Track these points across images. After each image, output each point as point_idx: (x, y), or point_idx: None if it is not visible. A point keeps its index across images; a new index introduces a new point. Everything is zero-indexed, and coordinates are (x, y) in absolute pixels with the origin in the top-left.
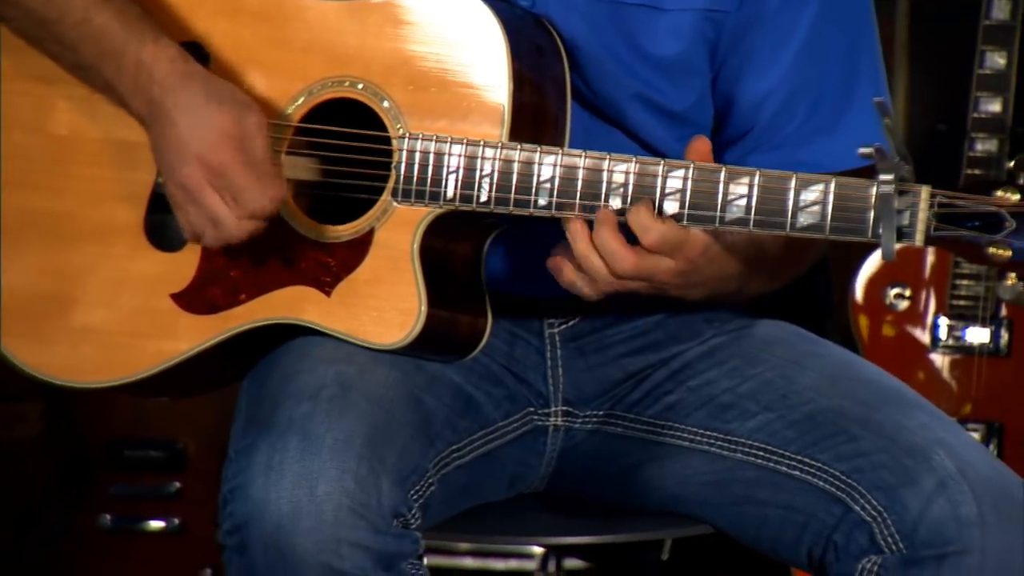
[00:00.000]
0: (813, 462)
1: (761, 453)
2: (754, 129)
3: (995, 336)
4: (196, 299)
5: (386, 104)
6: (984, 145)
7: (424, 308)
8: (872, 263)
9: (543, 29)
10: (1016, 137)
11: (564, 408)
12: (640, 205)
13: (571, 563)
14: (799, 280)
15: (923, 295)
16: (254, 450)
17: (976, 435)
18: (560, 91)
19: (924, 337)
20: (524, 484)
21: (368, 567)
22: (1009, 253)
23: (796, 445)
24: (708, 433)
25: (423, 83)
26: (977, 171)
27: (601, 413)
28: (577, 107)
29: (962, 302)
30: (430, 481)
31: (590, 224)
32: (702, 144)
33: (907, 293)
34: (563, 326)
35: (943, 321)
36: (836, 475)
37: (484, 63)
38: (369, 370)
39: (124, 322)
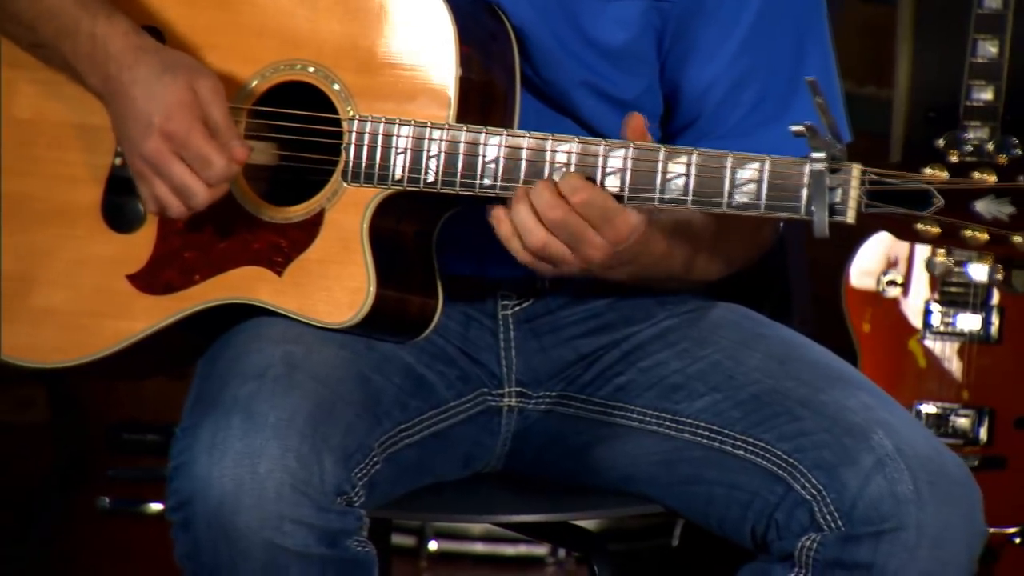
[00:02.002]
0: (757, 442)
1: (707, 433)
2: (700, 118)
3: (986, 323)
4: (152, 280)
5: (336, 87)
6: (976, 133)
7: (373, 288)
8: (864, 251)
9: (493, 15)
10: (1007, 125)
11: (518, 389)
12: (571, 173)
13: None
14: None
15: (914, 282)
16: (198, 428)
17: (967, 420)
18: (509, 76)
19: (916, 324)
20: (480, 463)
21: (311, 543)
22: (938, 230)
23: (741, 425)
24: (657, 414)
25: (373, 66)
26: (968, 159)
27: (554, 394)
28: (528, 95)
29: (953, 289)
30: (375, 460)
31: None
32: (635, 120)
33: (899, 280)
34: (517, 307)
35: (935, 308)
36: (779, 454)
37: (432, 46)
38: (317, 350)
39: (84, 303)
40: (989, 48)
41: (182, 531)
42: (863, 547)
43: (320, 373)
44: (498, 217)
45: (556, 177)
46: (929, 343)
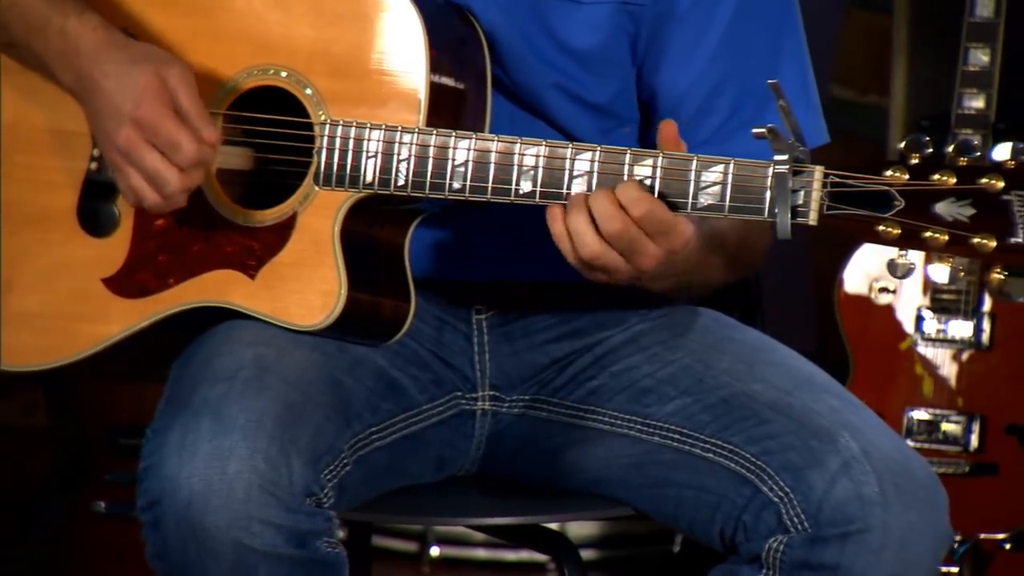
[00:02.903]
0: (726, 444)
1: (678, 436)
2: (678, 124)
3: (977, 330)
4: (127, 283)
5: (309, 91)
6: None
7: (344, 291)
8: (857, 258)
9: (464, 19)
10: (998, 133)
11: (491, 393)
12: (629, 182)
13: (584, 554)
14: None
15: (906, 289)
16: (168, 430)
17: (958, 427)
18: (480, 80)
19: (908, 330)
20: (454, 467)
21: (280, 543)
22: (899, 231)
23: (711, 428)
24: (628, 417)
25: (344, 71)
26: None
27: (527, 398)
28: (502, 98)
29: (945, 296)
30: (345, 461)
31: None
32: (668, 128)
33: (891, 287)
34: (490, 312)
35: (927, 315)
36: (747, 457)
37: (402, 51)
38: (289, 352)
39: (61, 306)
40: (981, 56)
41: (152, 531)
42: (829, 549)
43: (291, 375)
44: (554, 215)
45: (525, 187)
46: (921, 350)
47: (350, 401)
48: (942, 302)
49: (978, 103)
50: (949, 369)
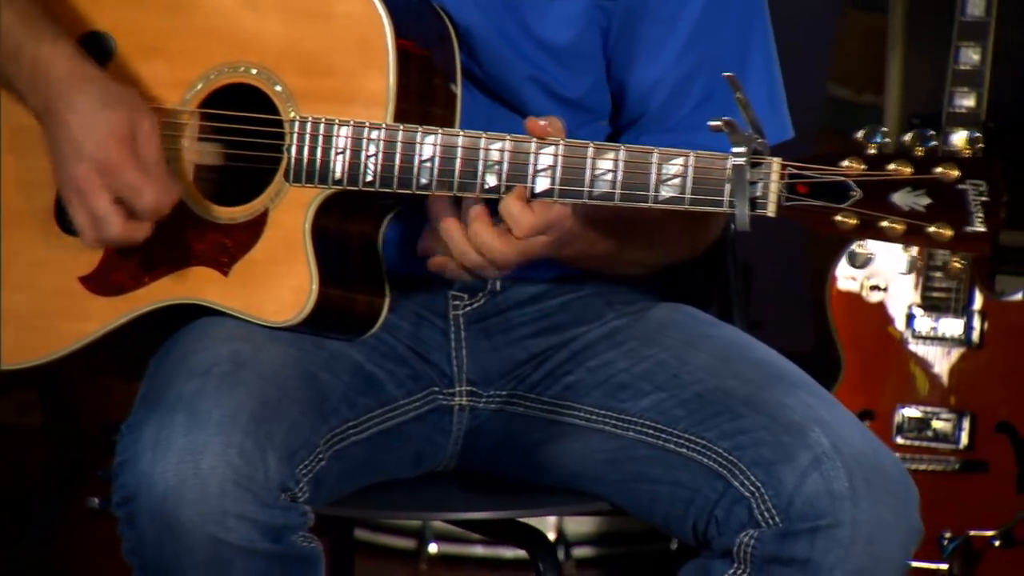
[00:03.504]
0: (699, 440)
1: (652, 431)
2: (646, 115)
3: (968, 327)
4: (103, 282)
5: (278, 88)
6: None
7: (316, 287)
8: (848, 255)
9: (435, 15)
10: (989, 132)
11: (468, 388)
12: (511, 196)
13: (581, 552)
14: (705, 264)
15: (897, 287)
16: (143, 425)
17: (948, 424)
18: (449, 75)
19: (898, 328)
20: (432, 462)
21: (255, 538)
22: (856, 221)
23: (684, 423)
24: (604, 412)
25: (313, 68)
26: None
27: (504, 393)
28: (479, 94)
29: (936, 294)
30: (320, 456)
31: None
32: (529, 123)
33: (882, 285)
34: (468, 307)
35: (917, 312)
36: (719, 452)
37: (368, 48)
38: (264, 348)
39: (42, 304)
40: (972, 55)
41: (127, 527)
42: (800, 543)
43: (266, 371)
44: (440, 266)
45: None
46: (911, 347)
47: (326, 396)
48: (933, 300)
49: (969, 102)
50: (940, 367)
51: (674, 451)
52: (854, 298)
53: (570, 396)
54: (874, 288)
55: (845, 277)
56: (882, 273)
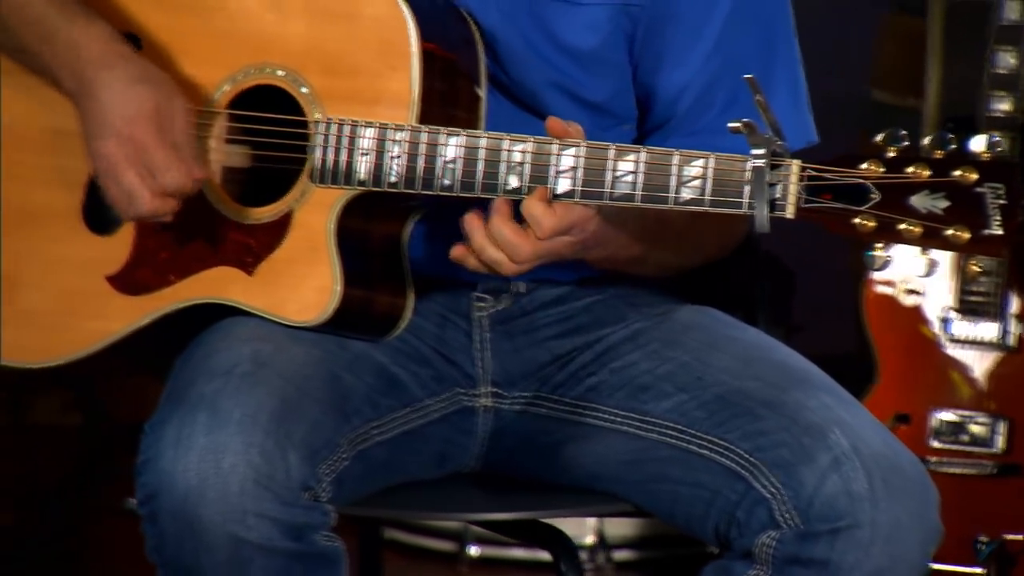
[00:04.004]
0: (720, 441)
1: (674, 433)
2: (672, 119)
3: (1004, 331)
4: (129, 281)
5: (304, 90)
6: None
7: (339, 287)
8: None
9: (460, 19)
10: None
11: (492, 389)
12: (532, 197)
13: (621, 555)
14: (730, 265)
15: (933, 291)
16: (165, 424)
17: (984, 428)
18: (474, 78)
19: (934, 332)
20: (456, 463)
21: (275, 536)
22: (874, 224)
23: (706, 425)
24: (626, 414)
25: (338, 70)
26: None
27: (528, 394)
28: (501, 97)
29: (972, 298)
30: (343, 456)
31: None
32: (552, 124)
33: (918, 289)
34: (492, 309)
35: (953, 316)
36: (740, 453)
37: (393, 50)
38: (287, 348)
39: (64, 304)
40: (1008, 59)
41: (150, 525)
42: (819, 544)
43: (288, 370)
44: (461, 257)
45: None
46: (947, 351)
47: (349, 396)
48: (969, 304)
49: (1005, 105)
50: (976, 371)
51: (695, 452)
52: (889, 301)
53: (593, 397)
54: (909, 292)
55: (880, 280)
56: (917, 277)
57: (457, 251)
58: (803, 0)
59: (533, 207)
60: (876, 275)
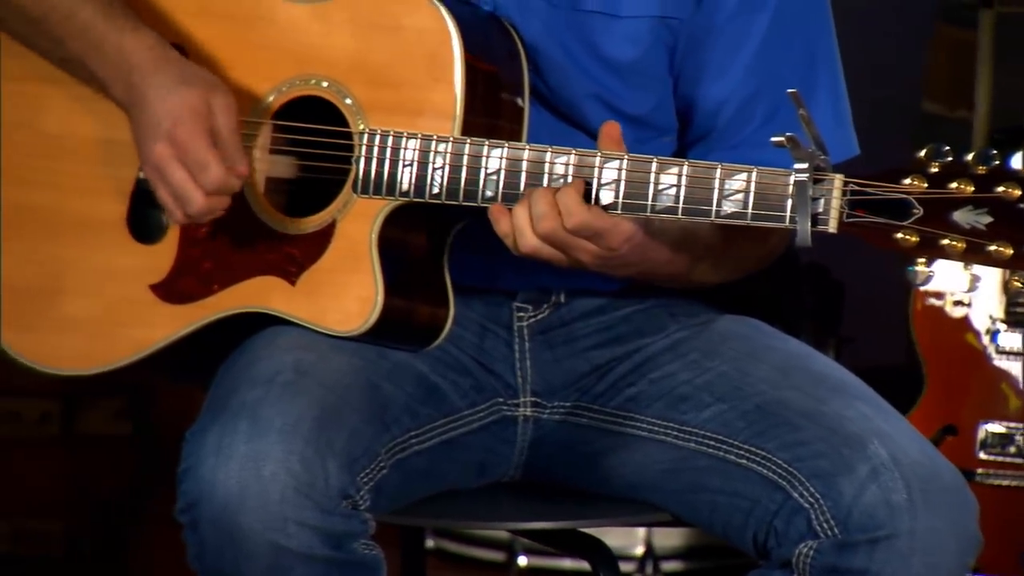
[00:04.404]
0: (759, 451)
1: (713, 443)
2: (713, 132)
3: None
4: (173, 289)
5: (348, 101)
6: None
7: (381, 297)
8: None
9: (504, 31)
10: None
11: (532, 399)
12: (570, 187)
13: (670, 566)
14: (778, 279)
15: (980, 303)
16: (206, 432)
17: None
18: (517, 90)
19: (982, 343)
20: (496, 472)
21: (315, 544)
22: (917, 239)
23: (745, 435)
24: (665, 423)
25: (382, 81)
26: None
27: (568, 404)
28: (541, 109)
29: (1020, 309)
30: (382, 465)
31: None
32: (611, 128)
33: (966, 300)
34: (532, 319)
35: (1001, 328)
36: (779, 463)
37: (437, 62)
38: (328, 357)
39: (107, 312)
40: None
41: (191, 532)
42: (858, 554)
43: (328, 380)
44: (498, 214)
45: (558, 187)
46: (995, 363)
47: (388, 406)
48: (1017, 315)
49: None
50: (1023, 382)
51: (734, 462)
52: (937, 313)
53: (632, 407)
54: (957, 304)
55: (928, 292)
56: (966, 289)
57: (495, 208)
58: (855, 11)
59: (568, 200)
60: (924, 287)
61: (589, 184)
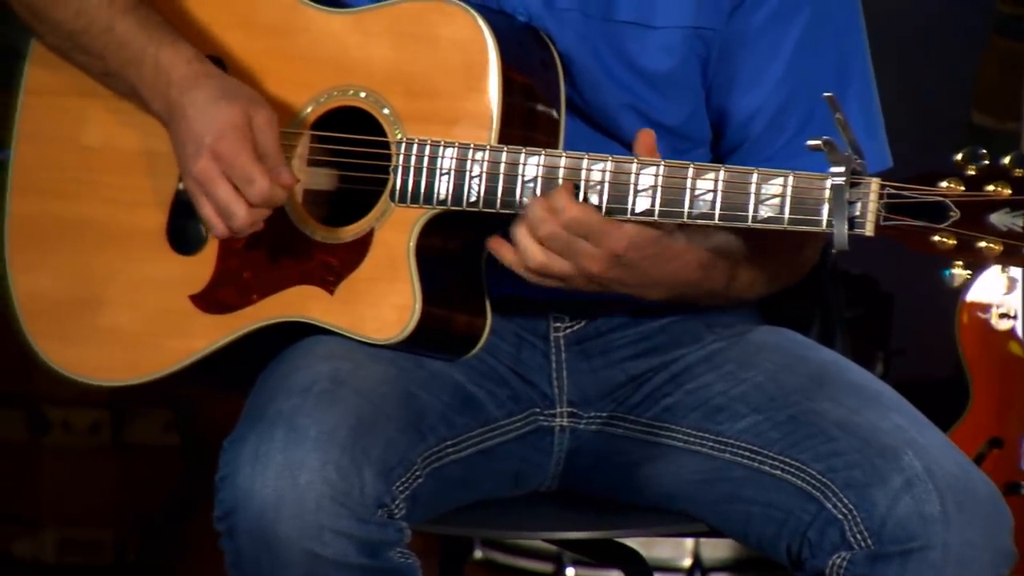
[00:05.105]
0: (793, 462)
1: (747, 453)
2: (746, 142)
3: None
4: (212, 300)
5: (386, 111)
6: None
7: (419, 305)
8: (976, 285)
9: (539, 40)
10: None
11: (569, 409)
12: (560, 188)
13: None
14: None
15: None
16: (243, 441)
17: None
18: (554, 100)
19: None
20: (532, 482)
21: (351, 553)
22: (954, 242)
23: (779, 445)
24: (700, 434)
25: (419, 91)
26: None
27: (604, 414)
28: (576, 119)
29: None
30: (417, 474)
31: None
32: (646, 136)
33: (1011, 313)
34: (568, 329)
35: None
36: (813, 474)
37: (474, 72)
38: (365, 366)
39: (146, 322)
40: None
41: (228, 540)
42: (891, 566)
43: (365, 388)
44: (497, 245)
45: (592, 200)
46: None
47: (424, 414)
48: None
49: None
50: None
51: (768, 473)
52: (983, 325)
53: (668, 418)
54: (1003, 316)
55: (974, 304)
56: (1011, 301)
57: (495, 240)
58: (906, 23)
59: (557, 195)
60: (970, 299)
61: (578, 186)
